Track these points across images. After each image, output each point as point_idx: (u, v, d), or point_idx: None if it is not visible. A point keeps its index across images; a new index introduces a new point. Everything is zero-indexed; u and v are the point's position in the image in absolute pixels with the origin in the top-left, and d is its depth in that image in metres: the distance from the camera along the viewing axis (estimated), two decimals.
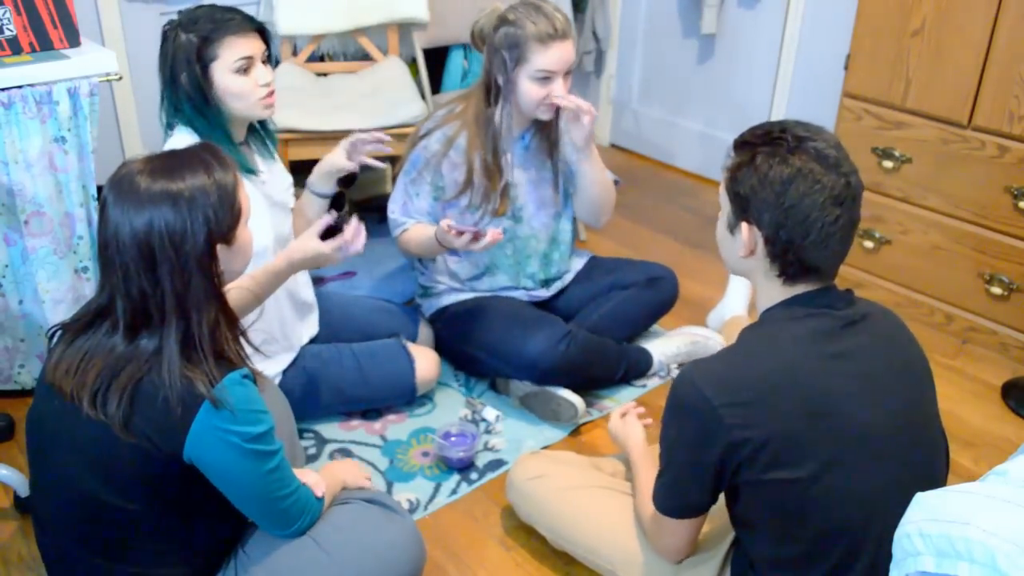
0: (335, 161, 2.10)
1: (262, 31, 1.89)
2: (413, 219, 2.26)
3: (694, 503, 1.41)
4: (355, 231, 1.81)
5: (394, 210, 2.30)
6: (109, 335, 1.31)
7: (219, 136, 1.86)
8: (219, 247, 1.33)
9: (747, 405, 1.28)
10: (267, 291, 1.82)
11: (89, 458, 1.31)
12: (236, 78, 1.84)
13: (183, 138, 1.85)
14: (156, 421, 1.27)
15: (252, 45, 1.85)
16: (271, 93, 1.90)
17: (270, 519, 1.43)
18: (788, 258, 1.32)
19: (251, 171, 1.93)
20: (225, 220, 1.32)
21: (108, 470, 1.31)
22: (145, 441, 1.27)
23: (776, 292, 1.37)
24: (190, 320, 1.29)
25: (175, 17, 1.86)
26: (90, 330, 1.33)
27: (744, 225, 1.34)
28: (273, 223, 1.99)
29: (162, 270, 1.28)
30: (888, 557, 1.28)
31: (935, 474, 1.40)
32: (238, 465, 1.32)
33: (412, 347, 2.25)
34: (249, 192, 1.92)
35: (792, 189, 1.28)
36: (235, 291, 1.74)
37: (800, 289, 1.36)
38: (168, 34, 1.85)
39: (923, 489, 1.34)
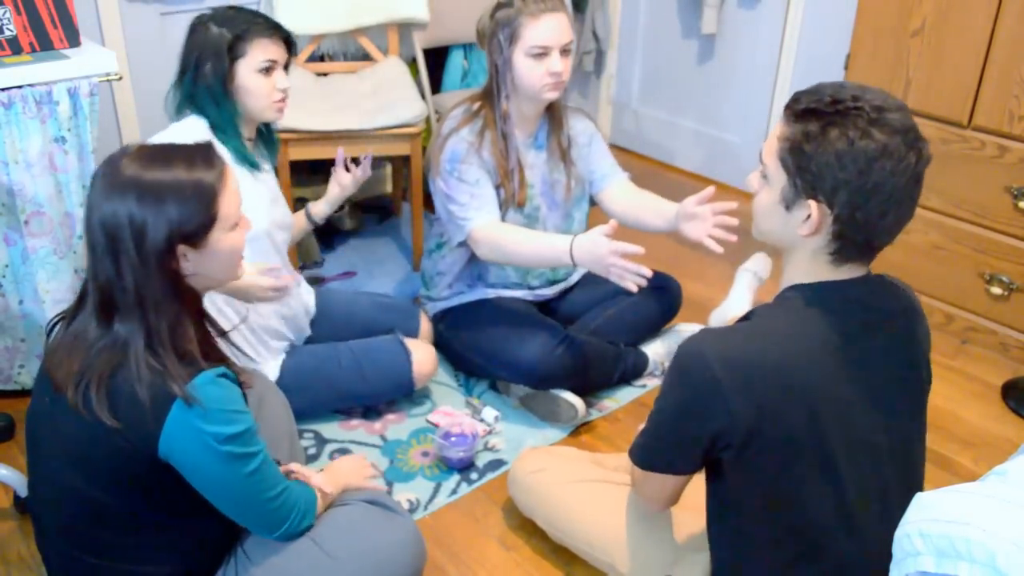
0: (335, 194, 2.26)
1: (288, 40, 1.97)
2: (484, 215, 2.13)
3: (673, 464, 1.39)
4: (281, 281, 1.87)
5: (456, 211, 2.15)
6: (87, 319, 1.30)
7: (229, 127, 1.94)
8: (186, 248, 1.29)
9: (753, 391, 1.23)
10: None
11: (73, 455, 1.31)
12: (258, 78, 1.92)
13: (192, 122, 1.92)
14: (129, 417, 1.25)
15: (278, 50, 1.95)
16: (284, 99, 1.98)
17: (253, 522, 1.41)
18: (857, 239, 1.24)
19: (255, 165, 2.00)
20: (194, 221, 1.27)
21: (90, 467, 1.30)
22: (121, 438, 1.26)
23: (818, 271, 1.30)
24: (148, 316, 1.27)
25: (206, 11, 1.95)
26: (78, 313, 1.33)
27: (812, 203, 1.23)
28: (270, 212, 2.05)
29: (123, 260, 1.26)
30: (857, 561, 1.30)
31: (914, 484, 1.39)
32: (212, 466, 1.29)
33: (409, 341, 2.25)
34: (250, 185, 1.96)
35: (877, 167, 1.18)
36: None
37: (844, 271, 1.29)
38: (198, 27, 1.93)
39: (899, 498, 1.35)
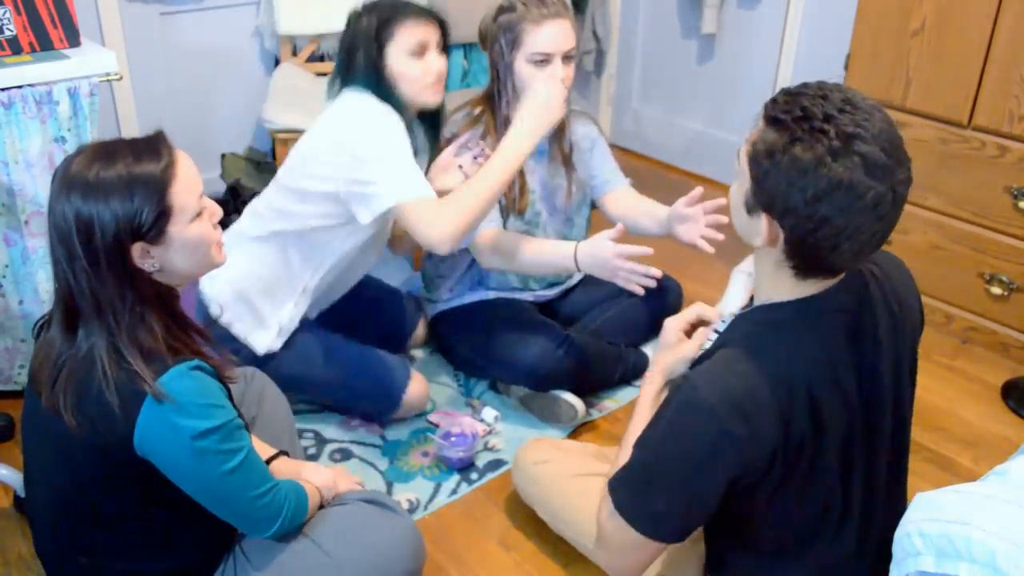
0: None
1: (440, 20, 1.97)
2: (486, 222, 2.11)
3: (670, 520, 1.26)
4: None
5: None
6: (55, 327, 1.29)
7: (392, 103, 1.92)
8: (144, 246, 1.25)
9: (765, 426, 1.17)
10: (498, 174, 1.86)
11: (59, 455, 1.30)
12: (409, 61, 1.91)
13: (355, 94, 1.91)
14: (100, 417, 1.23)
15: (428, 31, 1.93)
16: (440, 80, 1.96)
17: (240, 521, 1.38)
18: (808, 262, 1.18)
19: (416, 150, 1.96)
20: (143, 217, 1.22)
21: (72, 466, 1.29)
22: (98, 437, 1.24)
23: (784, 284, 1.23)
24: (107, 318, 1.24)
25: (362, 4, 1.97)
26: (52, 319, 1.32)
27: (765, 217, 1.17)
28: None
29: (76, 263, 1.22)
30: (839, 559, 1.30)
31: (900, 479, 1.40)
32: (189, 463, 1.26)
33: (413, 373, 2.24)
34: None
35: (827, 202, 1.09)
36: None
37: (811, 284, 1.22)
38: (351, 19, 1.95)
39: (883, 499, 1.34)
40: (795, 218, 1.13)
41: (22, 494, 1.91)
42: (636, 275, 1.90)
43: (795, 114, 1.11)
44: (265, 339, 2.06)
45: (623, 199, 2.35)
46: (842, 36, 2.90)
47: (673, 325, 1.51)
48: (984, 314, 2.57)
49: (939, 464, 2.17)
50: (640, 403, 1.49)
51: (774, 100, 1.16)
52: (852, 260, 1.17)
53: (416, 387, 2.20)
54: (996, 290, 2.50)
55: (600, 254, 1.92)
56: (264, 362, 2.04)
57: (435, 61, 1.94)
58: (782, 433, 1.19)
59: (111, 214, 1.21)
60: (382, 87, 1.92)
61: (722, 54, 3.58)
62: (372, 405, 2.21)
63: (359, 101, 1.93)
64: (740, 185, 1.22)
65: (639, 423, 1.42)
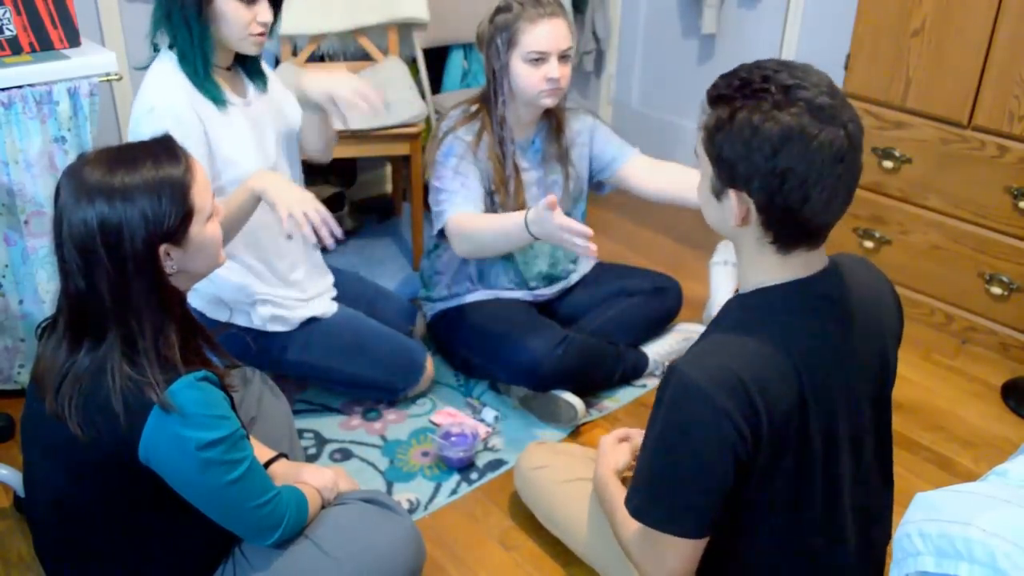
0: (312, 93, 2.04)
1: None
2: (466, 206, 2.10)
3: (695, 512, 1.25)
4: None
5: (441, 201, 2.14)
6: (59, 337, 1.28)
7: (198, 58, 1.83)
8: (167, 248, 1.26)
9: (755, 403, 1.18)
10: (233, 218, 1.78)
11: (59, 457, 1.30)
12: (236, 6, 1.81)
13: (163, 67, 1.84)
14: (105, 424, 1.23)
15: None
16: (263, 33, 1.88)
17: (242, 529, 1.39)
18: (786, 226, 1.18)
19: (220, 101, 1.89)
20: (170, 219, 1.24)
21: (73, 469, 1.30)
22: (101, 443, 1.25)
23: (769, 264, 1.24)
24: (131, 329, 1.24)
25: None
26: (56, 326, 1.31)
27: (733, 193, 1.19)
28: (259, 144, 1.98)
29: (98, 273, 1.22)
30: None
31: (886, 477, 1.41)
32: (194, 473, 1.26)
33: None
34: (220, 124, 1.88)
35: (785, 151, 1.11)
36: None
37: (796, 258, 1.22)
38: None
39: (874, 483, 1.35)
40: (759, 179, 1.14)
41: (22, 494, 1.91)
42: (576, 234, 1.84)
43: (734, 85, 1.16)
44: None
45: (647, 171, 2.30)
46: (842, 36, 2.90)
47: (609, 437, 1.71)
48: (984, 314, 2.57)
49: (939, 464, 2.17)
50: (605, 485, 1.59)
51: (714, 83, 1.20)
52: (825, 212, 1.17)
53: (429, 358, 2.30)
54: (996, 290, 2.50)
55: (546, 225, 1.88)
56: (287, 343, 2.10)
57: (264, 13, 1.85)
58: (768, 411, 1.19)
59: (140, 217, 1.22)
60: (200, 25, 1.79)
61: (722, 54, 3.58)
62: (399, 376, 2.24)
63: (154, 77, 1.85)
64: (704, 177, 1.25)
65: (617, 492, 1.50)
